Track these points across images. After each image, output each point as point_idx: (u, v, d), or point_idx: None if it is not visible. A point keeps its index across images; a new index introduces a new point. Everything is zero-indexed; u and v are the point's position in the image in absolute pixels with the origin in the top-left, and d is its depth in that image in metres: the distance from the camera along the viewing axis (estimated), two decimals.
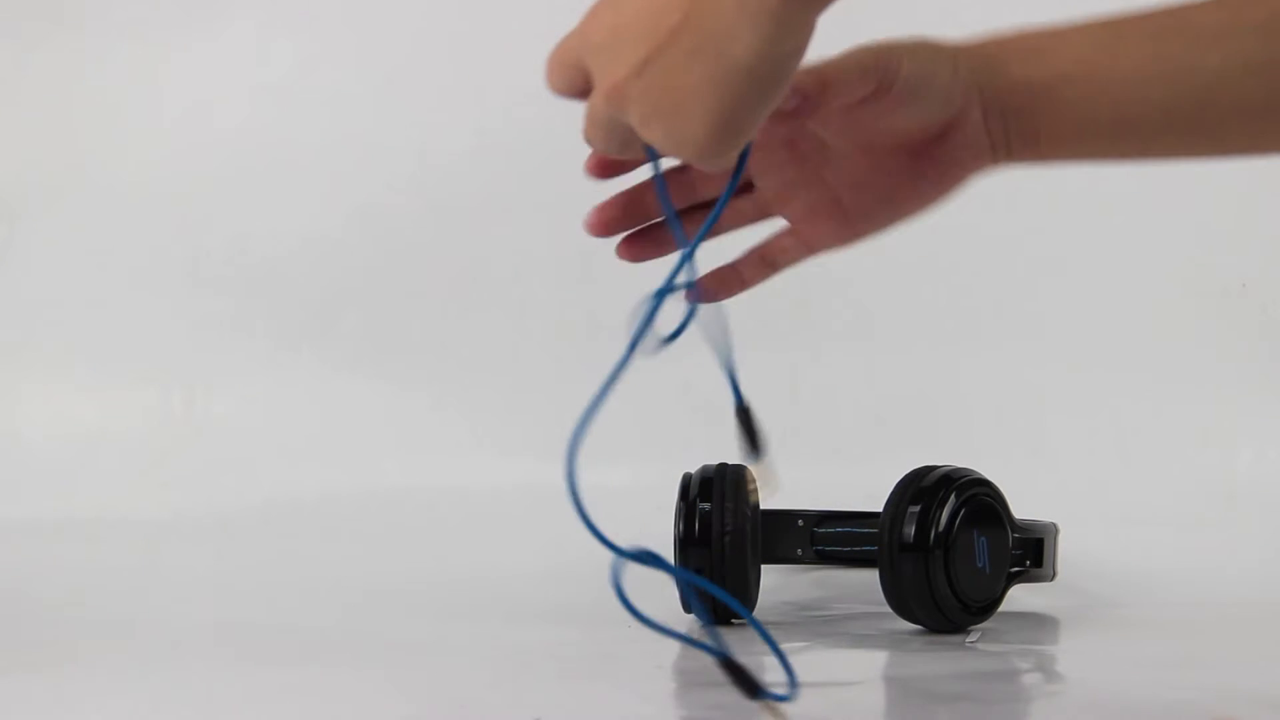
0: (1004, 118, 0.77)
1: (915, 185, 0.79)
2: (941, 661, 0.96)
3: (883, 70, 0.75)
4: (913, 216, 0.79)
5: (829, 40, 0.72)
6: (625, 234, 0.83)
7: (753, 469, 0.79)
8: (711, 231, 0.80)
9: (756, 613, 1.08)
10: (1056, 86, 0.76)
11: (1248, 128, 0.75)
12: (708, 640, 0.77)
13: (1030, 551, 1.07)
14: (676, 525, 1.05)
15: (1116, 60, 0.75)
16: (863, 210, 0.80)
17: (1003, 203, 1.40)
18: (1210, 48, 0.73)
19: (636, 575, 1.11)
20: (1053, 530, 1.10)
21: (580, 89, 0.78)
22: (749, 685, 0.76)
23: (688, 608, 1.07)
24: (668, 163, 0.78)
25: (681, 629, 1.07)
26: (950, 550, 1.00)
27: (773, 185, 0.81)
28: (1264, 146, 0.76)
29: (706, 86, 0.70)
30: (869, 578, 1.04)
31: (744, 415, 0.78)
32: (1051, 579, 1.10)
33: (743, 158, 0.76)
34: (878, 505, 1.04)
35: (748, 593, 1.07)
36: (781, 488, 0.80)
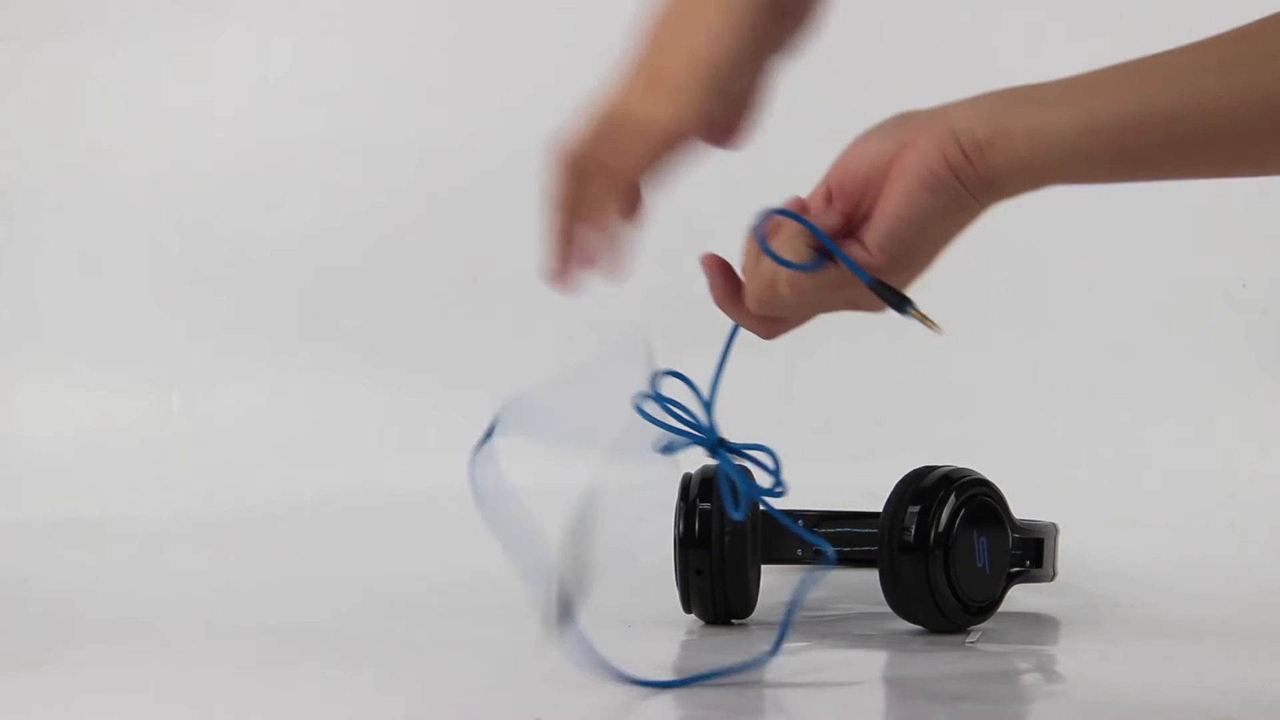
0: (960, 113, 0.78)
1: (905, 194, 0.79)
2: (941, 661, 0.96)
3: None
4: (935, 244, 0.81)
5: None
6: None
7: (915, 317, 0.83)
8: None
9: (756, 613, 1.08)
10: (1035, 90, 0.77)
11: (1230, 125, 0.75)
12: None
13: (1030, 551, 1.06)
14: (676, 525, 1.05)
15: (1097, 74, 0.77)
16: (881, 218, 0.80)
17: (1002, 203, 1.40)
18: (1195, 58, 0.75)
19: (636, 575, 1.11)
20: (1053, 530, 1.10)
21: None
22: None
23: (688, 608, 1.07)
24: None
25: (681, 629, 1.07)
26: (950, 550, 1.00)
27: None
28: (1240, 161, 0.77)
29: (689, 35, 0.76)
30: (869, 578, 1.04)
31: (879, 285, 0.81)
32: (1051, 579, 1.09)
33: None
34: (878, 505, 1.04)
35: (747, 593, 1.07)
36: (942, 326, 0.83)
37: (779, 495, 0.88)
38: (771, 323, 0.84)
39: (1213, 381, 1.46)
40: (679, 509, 1.06)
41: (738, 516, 0.93)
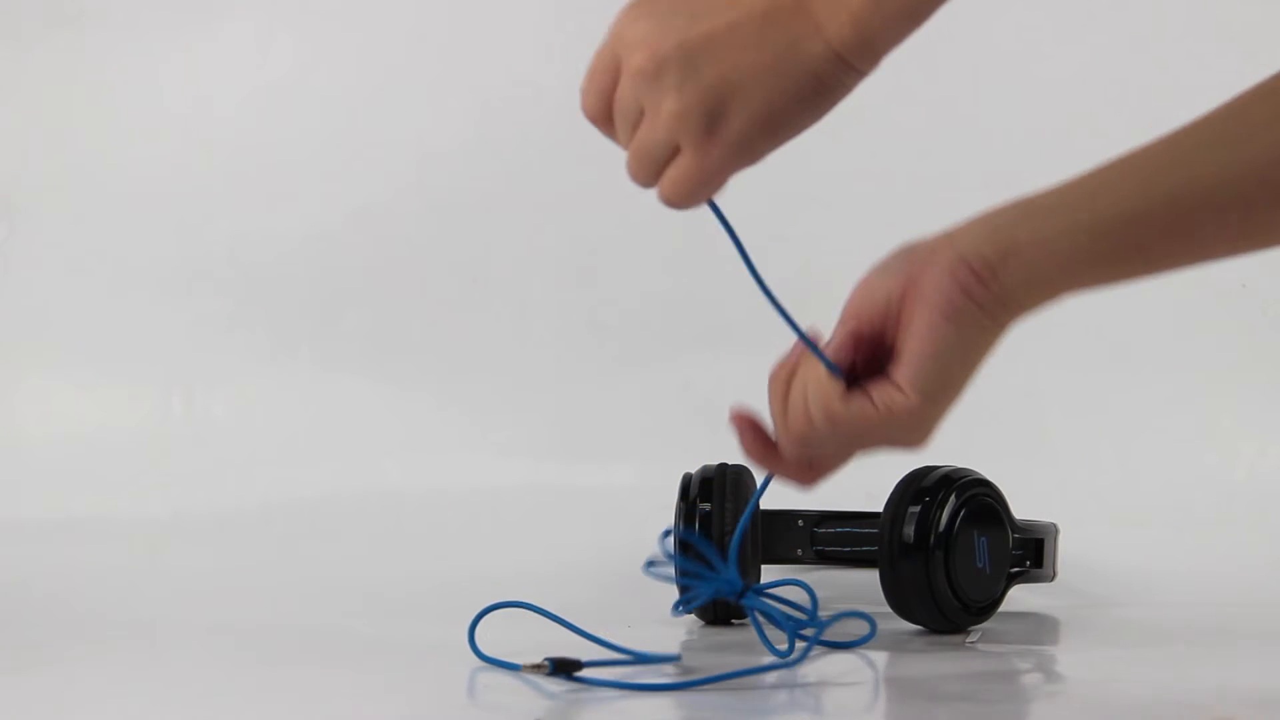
0: (967, 233, 0.76)
1: (928, 317, 0.77)
2: (941, 661, 0.96)
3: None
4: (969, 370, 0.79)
5: None
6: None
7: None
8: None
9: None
10: (1037, 198, 0.76)
11: (1237, 210, 0.75)
12: None
13: (1030, 551, 1.07)
14: (677, 525, 1.05)
15: (1102, 169, 0.76)
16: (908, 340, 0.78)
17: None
18: (1200, 146, 0.75)
19: (632, 574, 1.11)
20: (1053, 530, 1.10)
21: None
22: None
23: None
24: None
25: (681, 629, 1.07)
26: (950, 550, 1.00)
27: None
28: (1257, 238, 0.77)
29: (769, 74, 0.71)
30: (869, 578, 1.04)
31: None
32: (1051, 579, 1.10)
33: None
34: (878, 505, 1.04)
35: None
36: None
37: (822, 628, 0.91)
38: (810, 469, 0.81)
39: (1213, 381, 1.46)
40: (679, 509, 1.06)
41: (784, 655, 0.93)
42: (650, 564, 0.92)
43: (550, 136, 1.53)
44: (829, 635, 0.96)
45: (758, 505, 0.97)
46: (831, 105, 0.73)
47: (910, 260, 0.77)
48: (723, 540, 1.04)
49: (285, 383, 1.55)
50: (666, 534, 0.93)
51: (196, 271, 1.58)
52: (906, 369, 0.76)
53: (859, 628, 1.05)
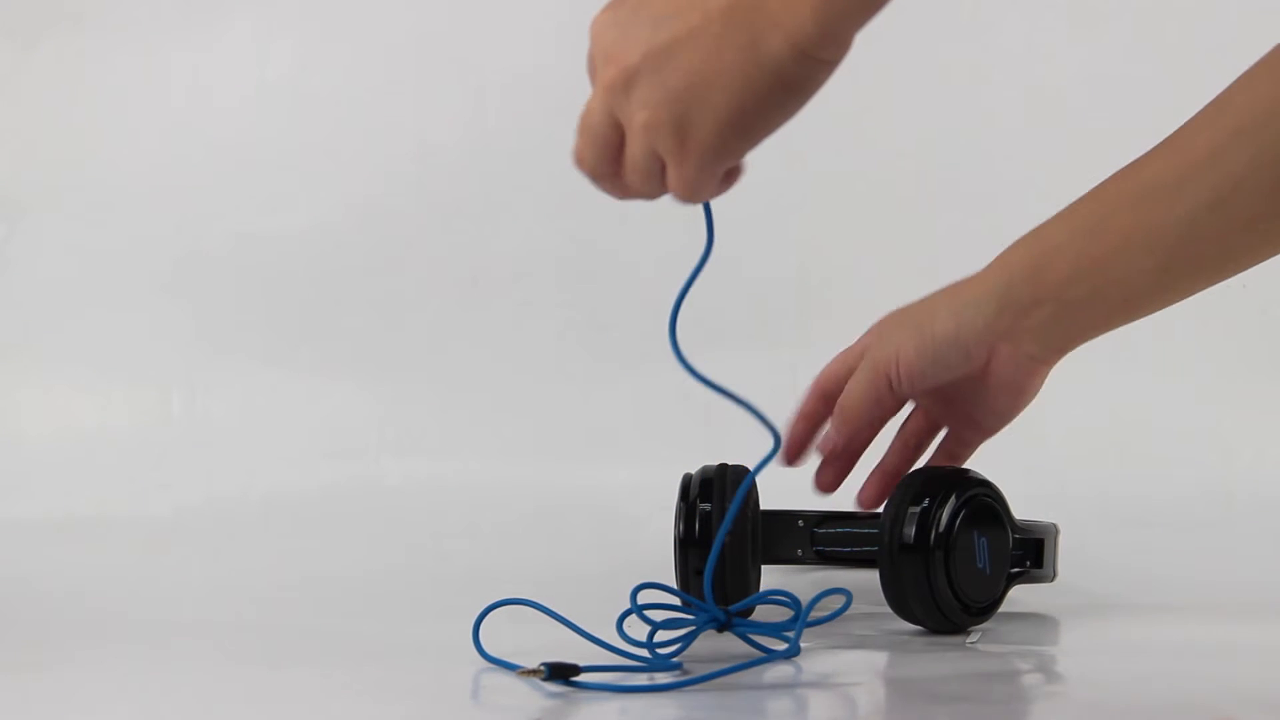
0: (1029, 338, 0.95)
1: (1012, 397, 1.02)
2: (941, 662, 0.96)
3: (886, 383, 1.01)
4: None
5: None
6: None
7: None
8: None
9: (757, 613, 1.09)
10: (1064, 290, 0.92)
11: (1232, 252, 0.86)
12: None
13: (1030, 552, 1.06)
14: (676, 525, 1.05)
15: (1105, 242, 0.88)
16: (991, 418, 1.05)
17: (1002, 203, 1.40)
18: (1175, 200, 0.83)
19: (632, 575, 1.11)
20: (1053, 530, 1.10)
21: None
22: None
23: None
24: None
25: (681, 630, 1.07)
26: (950, 550, 1.00)
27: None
28: (1258, 258, 0.87)
29: (732, 76, 0.70)
30: (869, 578, 1.04)
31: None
32: (1051, 579, 1.09)
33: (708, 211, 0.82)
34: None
35: (748, 593, 1.06)
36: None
37: (805, 612, 0.95)
38: None
39: (1213, 382, 1.46)
40: (679, 509, 1.06)
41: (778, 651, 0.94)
42: (621, 621, 0.93)
43: (550, 135, 1.53)
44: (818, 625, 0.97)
45: (729, 531, 1.00)
46: (805, 99, 0.72)
47: (971, 357, 0.99)
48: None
49: (285, 383, 1.55)
50: (638, 590, 0.95)
51: (196, 271, 1.59)
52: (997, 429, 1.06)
53: (867, 625, 1.06)
